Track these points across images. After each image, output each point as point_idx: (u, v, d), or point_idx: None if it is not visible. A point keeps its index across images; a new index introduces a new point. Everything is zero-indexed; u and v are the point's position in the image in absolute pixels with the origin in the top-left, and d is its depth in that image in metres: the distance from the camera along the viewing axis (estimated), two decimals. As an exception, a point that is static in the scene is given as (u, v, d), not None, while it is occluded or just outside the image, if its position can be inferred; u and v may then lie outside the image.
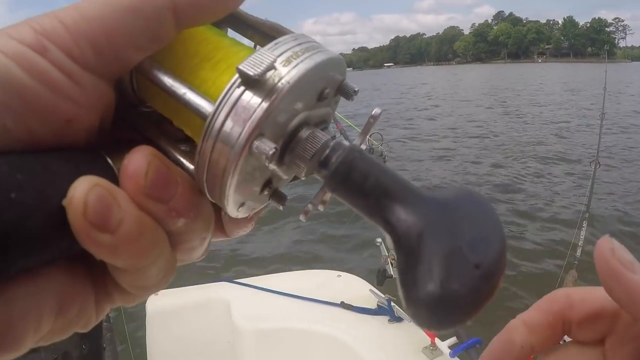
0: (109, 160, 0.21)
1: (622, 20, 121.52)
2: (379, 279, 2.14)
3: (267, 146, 0.19)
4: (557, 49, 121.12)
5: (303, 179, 0.24)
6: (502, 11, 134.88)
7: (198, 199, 0.22)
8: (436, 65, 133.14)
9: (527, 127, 11.33)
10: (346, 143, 0.22)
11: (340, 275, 2.15)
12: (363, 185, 0.21)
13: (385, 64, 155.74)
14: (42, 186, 0.18)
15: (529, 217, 5.21)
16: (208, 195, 0.22)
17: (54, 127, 0.19)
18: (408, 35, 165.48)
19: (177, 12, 0.21)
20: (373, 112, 0.23)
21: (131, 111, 0.25)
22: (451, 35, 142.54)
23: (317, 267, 2.71)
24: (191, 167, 0.22)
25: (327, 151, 0.22)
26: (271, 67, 0.19)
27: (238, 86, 0.20)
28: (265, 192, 0.24)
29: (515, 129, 11.05)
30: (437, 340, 1.57)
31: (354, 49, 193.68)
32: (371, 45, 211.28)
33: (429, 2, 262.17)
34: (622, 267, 0.22)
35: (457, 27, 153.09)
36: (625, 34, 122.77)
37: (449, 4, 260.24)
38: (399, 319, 1.75)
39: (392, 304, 1.76)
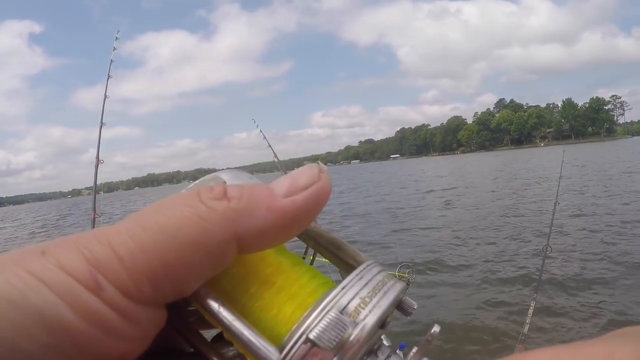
0: None
1: (620, 97, 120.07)
2: None
3: None
4: (558, 131, 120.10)
5: None
6: (503, 98, 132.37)
7: None
8: (441, 155, 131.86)
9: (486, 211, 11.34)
10: None
11: None
12: None
13: (392, 156, 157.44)
14: None
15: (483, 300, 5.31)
16: None
17: None
18: (413, 127, 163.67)
19: (240, 243, 0.20)
20: (432, 330, 0.22)
21: (175, 313, 0.23)
22: (455, 124, 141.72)
23: None
24: None
25: None
26: (342, 331, 0.19)
27: (305, 342, 0.18)
28: None
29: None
30: None
31: (360, 142, 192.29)
32: (378, 137, 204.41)
33: (433, 93, 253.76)
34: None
35: (461, 116, 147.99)
36: (624, 111, 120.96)
37: (452, 94, 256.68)
38: None
39: None
